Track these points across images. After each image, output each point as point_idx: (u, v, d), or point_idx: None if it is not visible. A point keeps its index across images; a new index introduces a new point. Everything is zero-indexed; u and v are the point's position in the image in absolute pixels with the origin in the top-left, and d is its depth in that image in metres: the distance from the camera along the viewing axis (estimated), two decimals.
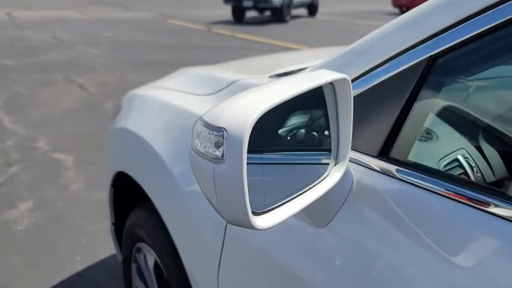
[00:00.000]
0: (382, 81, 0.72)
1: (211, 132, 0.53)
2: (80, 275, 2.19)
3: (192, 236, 1.06)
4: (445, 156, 0.77)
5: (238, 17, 13.88)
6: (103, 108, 4.93)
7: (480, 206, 0.61)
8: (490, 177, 0.79)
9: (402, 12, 17.86)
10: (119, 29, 11.79)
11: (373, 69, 0.74)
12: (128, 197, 1.65)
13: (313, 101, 0.67)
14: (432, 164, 0.75)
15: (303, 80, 0.61)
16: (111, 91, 5.62)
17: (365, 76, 0.75)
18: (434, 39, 0.67)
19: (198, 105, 1.18)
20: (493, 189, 0.70)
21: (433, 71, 0.67)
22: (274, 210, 0.59)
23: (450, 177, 0.70)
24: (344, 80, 0.65)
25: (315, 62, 1.38)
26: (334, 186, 0.67)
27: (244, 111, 0.52)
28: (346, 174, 0.71)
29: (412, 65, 0.69)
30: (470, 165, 0.79)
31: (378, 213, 0.69)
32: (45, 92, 5.64)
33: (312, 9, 15.90)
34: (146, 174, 1.30)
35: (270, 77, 1.17)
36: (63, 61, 7.57)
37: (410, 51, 0.69)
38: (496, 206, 0.60)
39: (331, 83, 0.65)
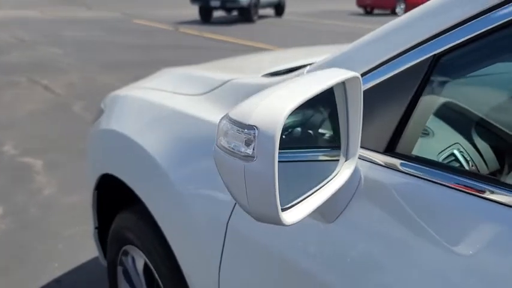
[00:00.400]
0: (387, 79, 0.74)
1: (241, 130, 0.53)
2: (57, 281, 2.13)
3: (190, 237, 1.06)
4: (443, 150, 0.81)
5: (206, 16, 13.81)
6: (72, 109, 4.81)
7: (480, 194, 0.64)
8: (483, 170, 0.83)
9: (366, 12, 18.26)
10: (83, 28, 11.50)
11: (378, 67, 0.76)
12: (112, 200, 1.62)
13: (322, 98, 0.68)
14: (433, 157, 0.78)
15: (322, 78, 0.62)
16: (79, 92, 5.48)
17: (369, 74, 0.77)
18: (439, 38, 0.69)
19: (190, 105, 1.17)
20: (491, 177, 0.74)
21: (437, 69, 0.70)
22: (296, 206, 0.60)
23: (453, 169, 0.73)
24: (355, 78, 0.67)
25: (299, 62, 1.41)
26: (345, 183, 0.69)
27: (273, 109, 0.52)
28: (354, 170, 0.73)
29: (416, 63, 0.71)
30: (465, 158, 0.83)
31: (386, 207, 0.71)
32: (8, 93, 5.44)
33: (279, 9, 16.00)
34: (137, 176, 1.28)
35: (264, 76, 1.18)
36: (25, 61, 7.32)
37: (415, 50, 0.72)
38: (492, 192, 0.63)
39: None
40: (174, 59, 7.27)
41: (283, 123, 0.51)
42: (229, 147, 0.55)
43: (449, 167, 0.76)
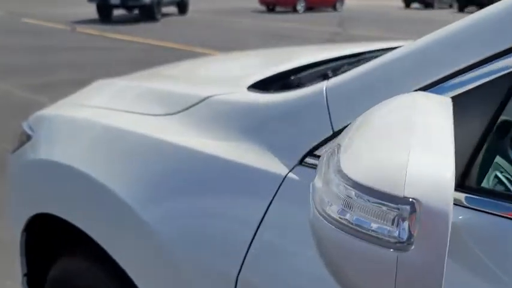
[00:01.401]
0: (457, 96, 0.61)
1: (387, 204, 0.36)
2: None
3: None
4: (488, 175, 0.71)
5: (105, 15, 12.97)
6: None
7: None
8: None
9: (269, 9, 18.55)
10: None
11: (445, 80, 0.62)
12: (47, 242, 1.34)
13: None
14: (485, 185, 0.68)
15: (429, 110, 0.46)
16: None
17: (433, 88, 0.62)
18: None
19: (160, 130, 0.95)
20: None
21: None
22: None
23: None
24: (447, 103, 0.53)
25: (273, 69, 1.23)
26: None
27: (434, 172, 0.35)
28: None
29: (497, 78, 0.58)
30: (509, 180, 0.74)
31: (458, 249, 0.59)
32: None
33: (182, 7, 15.63)
34: (94, 217, 1.03)
35: (249, 88, 0.99)
36: None
37: (494, 61, 0.59)
38: None
39: None
40: (78, 61, 6.66)
41: (453, 193, 0.35)
42: (362, 227, 0.37)
43: (506, 195, 0.67)
